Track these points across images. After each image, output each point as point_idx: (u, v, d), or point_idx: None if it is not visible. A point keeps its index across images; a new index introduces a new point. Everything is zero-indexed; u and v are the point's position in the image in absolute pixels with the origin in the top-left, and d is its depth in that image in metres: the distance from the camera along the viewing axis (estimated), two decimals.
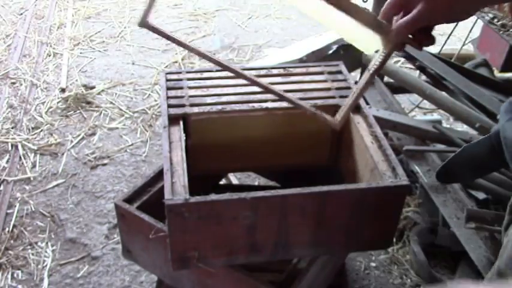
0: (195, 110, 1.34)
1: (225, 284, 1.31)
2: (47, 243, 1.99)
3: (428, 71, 2.07)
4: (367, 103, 1.95)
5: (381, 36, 0.88)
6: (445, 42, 2.47)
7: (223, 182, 1.91)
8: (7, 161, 2.36)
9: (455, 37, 3.49)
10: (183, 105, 1.36)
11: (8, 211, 2.11)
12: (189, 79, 1.46)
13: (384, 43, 0.89)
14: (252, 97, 1.40)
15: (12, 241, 1.98)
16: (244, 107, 1.37)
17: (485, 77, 2.16)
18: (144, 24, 0.96)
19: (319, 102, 1.39)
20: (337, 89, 1.45)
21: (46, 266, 1.89)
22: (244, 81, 1.46)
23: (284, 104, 1.38)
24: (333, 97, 1.41)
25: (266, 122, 1.38)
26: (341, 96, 1.41)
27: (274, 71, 1.52)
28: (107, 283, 1.84)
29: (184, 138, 1.28)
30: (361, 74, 2.33)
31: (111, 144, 2.51)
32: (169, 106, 1.35)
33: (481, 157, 0.89)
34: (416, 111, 2.72)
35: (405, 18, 0.87)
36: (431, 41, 0.91)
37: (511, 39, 1.99)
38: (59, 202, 2.17)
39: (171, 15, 3.78)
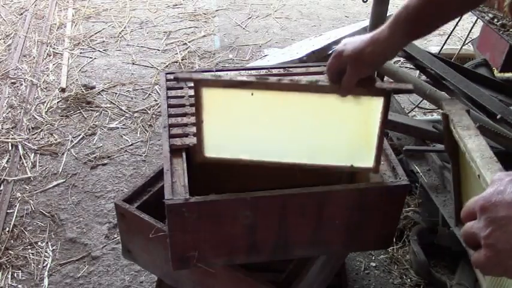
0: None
1: (225, 284, 1.31)
2: (47, 243, 1.99)
3: (428, 71, 2.07)
4: None
5: (336, 93, 1.10)
6: (445, 42, 2.46)
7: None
8: (7, 161, 2.36)
9: (455, 37, 3.50)
10: (183, 105, 1.36)
11: (8, 211, 2.11)
12: None
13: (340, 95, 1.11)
14: None
15: (12, 241, 1.98)
16: None
17: (485, 77, 2.16)
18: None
19: None
20: None
21: (46, 266, 1.89)
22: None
23: None
24: None
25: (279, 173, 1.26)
26: None
27: (274, 71, 1.52)
28: (107, 283, 1.84)
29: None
30: None
31: (111, 144, 2.51)
32: (169, 106, 1.35)
33: None
34: (416, 111, 2.73)
35: (344, 79, 1.08)
36: (374, 82, 1.14)
37: (511, 39, 1.99)
38: (59, 202, 2.17)
39: (171, 15, 3.78)
